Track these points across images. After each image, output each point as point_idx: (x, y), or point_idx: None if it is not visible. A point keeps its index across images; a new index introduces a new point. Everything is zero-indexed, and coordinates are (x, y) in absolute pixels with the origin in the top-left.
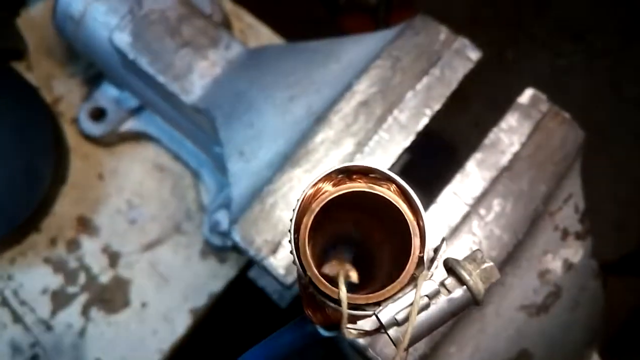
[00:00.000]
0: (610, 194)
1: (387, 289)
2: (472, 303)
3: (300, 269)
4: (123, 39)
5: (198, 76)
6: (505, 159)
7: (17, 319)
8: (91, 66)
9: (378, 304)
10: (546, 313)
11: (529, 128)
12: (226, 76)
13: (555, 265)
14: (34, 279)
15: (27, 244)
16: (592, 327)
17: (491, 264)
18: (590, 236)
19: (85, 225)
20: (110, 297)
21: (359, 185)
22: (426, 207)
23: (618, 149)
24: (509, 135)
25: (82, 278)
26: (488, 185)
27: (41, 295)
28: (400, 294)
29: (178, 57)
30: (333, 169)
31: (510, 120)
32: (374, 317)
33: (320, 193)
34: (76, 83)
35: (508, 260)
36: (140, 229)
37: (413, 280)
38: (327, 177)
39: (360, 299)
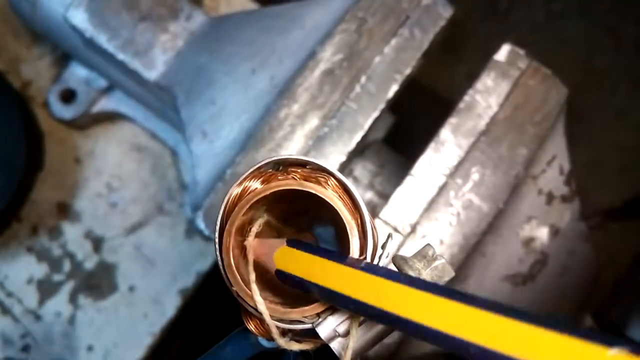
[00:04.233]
0: (612, 140)
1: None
2: None
3: (227, 281)
4: (78, 16)
5: (160, 51)
6: (482, 123)
7: (5, 310)
8: (58, 46)
9: (318, 315)
10: (533, 282)
11: (506, 88)
12: (188, 50)
13: (540, 231)
14: (19, 269)
15: (9, 234)
16: (583, 291)
17: (443, 260)
18: (577, 198)
19: (65, 211)
20: (97, 282)
21: (289, 183)
22: (403, 179)
23: (618, 95)
24: (485, 96)
25: (66, 265)
26: (464, 152)
27: (27, 285)
28: None
29: (137, 32)
30: (262, 163)
31: (486, 80)
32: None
33: (248, 192)
34: (45, 65)
35: (489, 230)
36: (122, 212)
37: None
38: (255, 174)
39: (295, 312)
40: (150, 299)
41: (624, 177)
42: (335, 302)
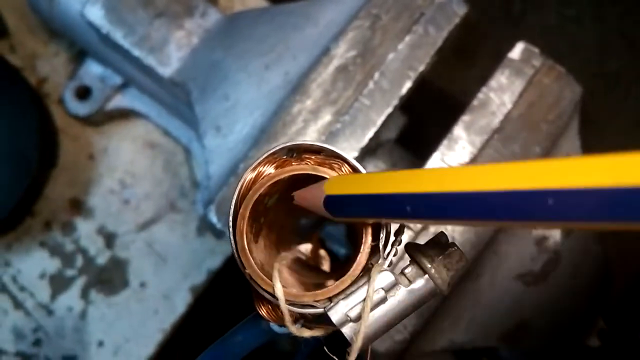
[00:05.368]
0: (624, 146)
1: (336, 283)
2: (437, 293)
3: (240, 264)
4: (95, 13)
5: (175, 48)
6: (495, 121)
7: (17, 304)
8: (75, 43)
9: (330, 299)
10: (545, 281)
11: (520, 85)
12: (203, 46)
13: (553, 230)
14: (32, 264)
15: (22, 229)
16: (595, 293)
17: (456, 248)
18: None
19: (78, 207)
20: (109, 278)
21: (302, 168)
22: None
23: (631, 100)
24: (499, 94)
25: (79, 261)
26: (477, 150)
27: (40, 280)
28: (353, 288)
29: (153, 29)
30: (276, 148)
31: (500, 78)
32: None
33: (262, 177)
34: (61, 62)
35: (502, 228)
36: (134, 208)
37: (368, 271)
38: (269, 159)
39: (307, 296)
40: (161, 295)
41: None
42: (394, 207)
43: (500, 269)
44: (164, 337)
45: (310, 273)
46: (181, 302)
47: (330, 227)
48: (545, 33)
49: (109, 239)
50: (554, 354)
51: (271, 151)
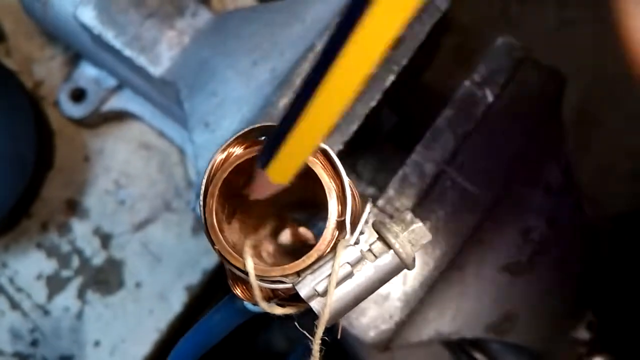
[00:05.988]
0: (624, 147)
1: (303, 258)
2: (403, 267)
3: (209, 241)
4: (87, 14)
5: (166, 47)
6: (477, 113)
7: (14, 305)
8: (69, 45)
9: (298, 274)
10: (531, 272)
11: (503, 78)
12: (193, 45)
13: (539, 221)
14: (28, 265)
15: (19, 230)
16: (584, 285)
17: (420, 224)
18: (577, 189)
19: (74, 208)
20: (105, 278)
21: None
22: (397, 170)
23: (630, 101)
24: (482, 87)
25: (75, 261)
26: (460, 142)
27: (36, 281)
28: (320, 263)
29: (144, 29)
30: (247, 129)
31: (482, 70)
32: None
33: (232, 158)
34: (56, 65)
35: (486, 218)
36: (129, 209)
37: (335, 247)
38: (239, 141)
39: (275, 270)
40: (156, 295)
41: (635, 184)
42: None
43: (486, 260)
44: (160, 336)
45: (291, 260)
46: (177, 302)
47: (321, 223)
48: (543, 35)
49: (105, 239)
50: (544, 348)
51: (242, 132)
